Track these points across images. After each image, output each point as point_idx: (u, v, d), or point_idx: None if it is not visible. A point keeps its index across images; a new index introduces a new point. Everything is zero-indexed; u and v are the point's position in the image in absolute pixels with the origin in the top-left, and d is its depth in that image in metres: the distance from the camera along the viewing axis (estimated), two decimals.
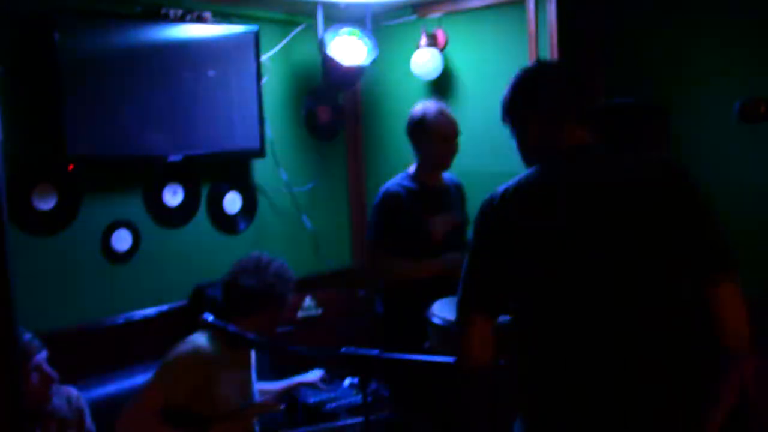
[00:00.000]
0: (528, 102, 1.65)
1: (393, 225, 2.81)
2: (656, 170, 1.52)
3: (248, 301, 2.45)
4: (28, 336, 2.13)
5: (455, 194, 2.98)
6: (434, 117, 2.81)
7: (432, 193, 2.87)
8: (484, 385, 1.83)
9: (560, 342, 1.54)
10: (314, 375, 2.85)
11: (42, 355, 2.16)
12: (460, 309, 1.60)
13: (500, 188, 1.59)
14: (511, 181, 1.58)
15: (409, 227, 2.79)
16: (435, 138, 2.81)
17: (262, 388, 2.70)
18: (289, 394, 2.80)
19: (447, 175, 2.97)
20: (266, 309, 2.47)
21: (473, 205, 2.36)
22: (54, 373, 2.18)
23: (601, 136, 1.63)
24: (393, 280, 2.86)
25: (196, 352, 2.35)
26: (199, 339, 2.40)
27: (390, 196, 2.84)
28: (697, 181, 1.52)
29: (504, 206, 1.56)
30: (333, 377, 2.90)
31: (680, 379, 1.51)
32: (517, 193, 1.56)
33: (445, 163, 2.88)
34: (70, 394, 2.35)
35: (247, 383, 2.52)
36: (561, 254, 1.51)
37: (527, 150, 1.67)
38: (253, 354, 2.59)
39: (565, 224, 1.51)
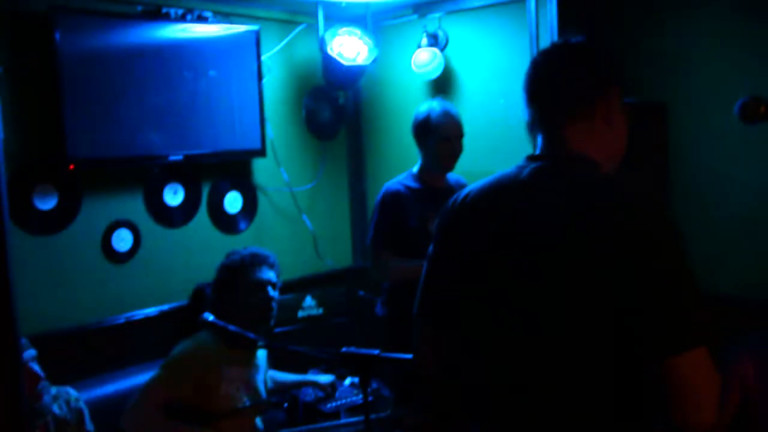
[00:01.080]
0: (524, 90, 1.45)
1: (393, 223, 2.81)
2: (622, 211, 1.22)
3: (215, 285, 2.61)
4: None
5: None
6: (438, 117, 2.82)
7: (435, 193, 2.85)
8: (440, 387, 1.79)
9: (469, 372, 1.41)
10: (326, 378, 2.86)
11: (28, 354, 2.15)
12: (414, 315, 1.50)
13: (466, 188, 1.46)
14: (479, 181, 1.44)
15: (411, 226, 2.78)
16: (438, 138, 2.81)
17: (275, 377, 2.73)
18: (291, 394, 2.80)
19: (453, 176, 2.95)
20: (234, 283, 2.55)
21: None
22: (41, 372, 2.18)
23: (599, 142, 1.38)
24: (396, 280, 2.86)
25: (199, 349, 2.43)
26: (202, 337, 2.46)
27: (390, 194, 2.84)
28: (673, 235, 1.21)
29: (458, 210, 1.42)
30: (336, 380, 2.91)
31: None
32: (473, 198, 1.41)
33: (448, 164, 2.87)
34: (69, 396, 2.36)
35: (250, 380, 2.53)
36: (479, 278, 1.35)
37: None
38: (262, 352, 2.61)
39: (492, 246, 1.34)
